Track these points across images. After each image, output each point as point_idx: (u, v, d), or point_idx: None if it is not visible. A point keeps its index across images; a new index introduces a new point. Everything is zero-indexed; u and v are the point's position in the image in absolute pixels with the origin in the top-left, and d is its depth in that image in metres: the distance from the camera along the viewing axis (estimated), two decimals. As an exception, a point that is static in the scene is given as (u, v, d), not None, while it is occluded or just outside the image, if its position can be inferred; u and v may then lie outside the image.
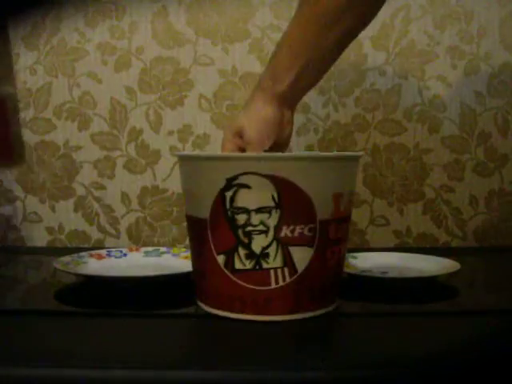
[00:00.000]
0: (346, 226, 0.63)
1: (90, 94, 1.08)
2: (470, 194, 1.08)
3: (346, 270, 0.74)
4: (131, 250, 0.87)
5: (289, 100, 0.71)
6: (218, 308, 0.61)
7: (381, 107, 1.08)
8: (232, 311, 0.60)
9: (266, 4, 1.06)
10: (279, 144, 0.72)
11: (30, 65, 1.08)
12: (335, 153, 0.64)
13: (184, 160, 0.63)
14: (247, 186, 0.57)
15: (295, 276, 0.59)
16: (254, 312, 0.59)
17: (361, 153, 0.66)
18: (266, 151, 0.69)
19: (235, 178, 0.57)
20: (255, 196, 0.57)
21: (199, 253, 0.62)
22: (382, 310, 0.66)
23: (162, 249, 0.87)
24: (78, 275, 0.74)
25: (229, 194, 0.57)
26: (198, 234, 0.61)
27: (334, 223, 0.60)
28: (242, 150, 0.71)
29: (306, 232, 0.58)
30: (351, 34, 0.71)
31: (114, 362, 0.50)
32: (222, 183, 0.57)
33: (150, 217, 1.09)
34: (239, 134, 0.70)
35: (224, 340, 0.57)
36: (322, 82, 1.05)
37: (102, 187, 1.09)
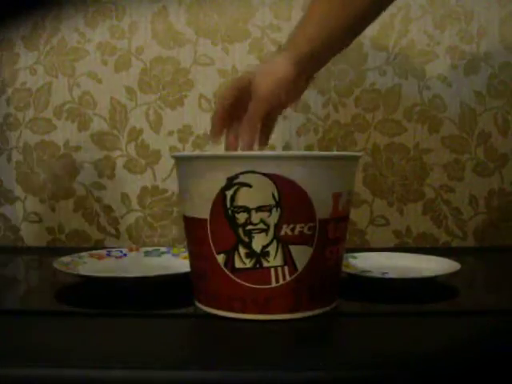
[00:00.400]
0: (344, 226, 0.63)
1: (90, 94, 1.09)
2: (470, 194, 1.08)
3: (346, 270, 0.74)
4: (131, 250, 0.87)
5: (307, 67, 0.70)
6: (218, 308, 0.61)
7: (381, 107, 1.08)
8: (232, 311, 0.60)
9: (265, 4, 1.07)
10: (282, 106, 0.71)
11: (30, 65, 1.08)
12: (335, 152, 0.64)
13: (183, 161, 0.63)
14: (248, 185, 0.57)
15: (295, 275, 0.59)
16: (253, 311, 0.59)
17: (360, 153, 0.67)
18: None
19: (236, 176, 0.57)
20: (256, 194, 0.57)
21: (198, 253, 0.62)
22: (381, 310, 0.66)
23: (162, 249, 0.87)
24: (77, 275, 0.74)
25: (229, 193, 0.58)
26: (197, 234, 0.61)
27: (333, 222, 0.60)
28: (241, 103, 0.69)
29: (305, 231, 0.58)
30: (380, 4, 0.70)
31: (114, 362, 0.50)
32: (222, 182, 0.58)
33: (150, 217, 1.09)
34: (245, 87, 0.68)
35: (224, 340, 0.57)
36: (321, 82, 1.05)
37: (102, 187, 1.09)
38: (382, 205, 1.09)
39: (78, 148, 1.09)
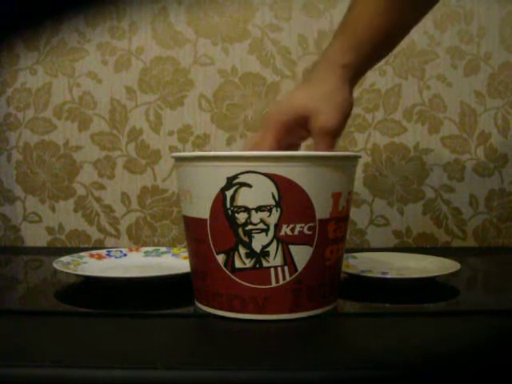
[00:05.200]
0: (344, 226, 0.63)
1: (89, 94, 1.09)
2: (470, 194, 1.08)
3: (346, 270, 0.74)
4: (131, 250, 0.87)
5: (356, 76, 0.66)
6: (218, 308, 0.61)
7: (381, 107, 1.08)
8: (232, 311, 0.60)
9: (265, 4, 1.07)
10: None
11: (30, 65, 1.08)
12: (335, 152, 0.63)
13: (182, 161, 0.63)
14: (248, 185, 0.57)
15: (295, 274, 0.59)
16: (253, 311, 0.59)
17: (359, 153, 0.66)
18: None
19: (236, 176, 0.57)
20: (256, 194, 0.57)
21: (198, 253, 0.62)
22: (382, 310, 0.66)
23: (162, 249, 0.87)
24: (78, 275, 0.74)
25: (229, 193, 0.58)
26: (197, 234, 0.61)
27: (333, 222, 0.60)
28: (292, 144, 0.65)
29: (305, 231, 0.58)
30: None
31: (114, 361, 0.50)
32: (222, 182, 0.58)
33: (150, 217, 1.09)
34: (298, 120, 0.63)
35: (224, 340, 0.57)
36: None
37: (102, 187, 1.09)
38: (381, 205, 1.09)
39: (78, 148, 1.09)
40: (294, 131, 0.66)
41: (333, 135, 0.63)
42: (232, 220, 0.58)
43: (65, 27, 1.08)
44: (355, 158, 0.64)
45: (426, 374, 0.49)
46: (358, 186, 1.07)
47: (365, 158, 1.07)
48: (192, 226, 0.62)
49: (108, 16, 1.07)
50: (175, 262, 0.81)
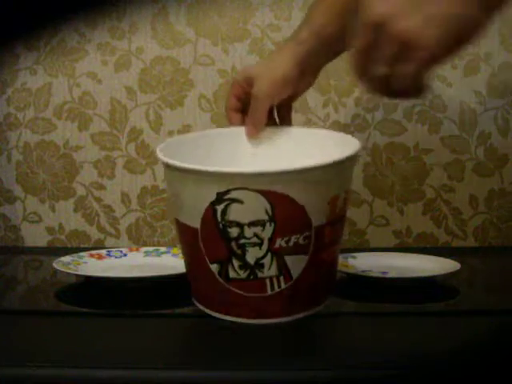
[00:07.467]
0: (341, 226, 0.62)
1: (89, 94, 1.08)
2: (470, 194, 1.08)
3: (346, 270, 0.74)
4: (131, 250, 0.87)
5: (313, 63, 0.68)
6: (214, 311, 0.60)
7: (381, 107, 1.07)
8: (228, 315, 0.59)
9: (265, 4, 1.06)
10: (286, 102, 0.70)
11: (30, 65, 1.08)
12: (332, 159, 0.58)
13: (173, 169, 0.59)
14: (239, 201, 0.54)
15: (291, 282, 0.58)
16: (249, 316, 0.59)
17: (358, 147, 0.62)
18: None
19: (227, 192, 0.54)
20: (248, 210, 0.55)
21: (191, 259, 0.61)
22: (381, 310, 0.66)
23: (162, 249, 0.87)
24: (77, 275, 0.74)
25: (220, 207, 0.55)
26: (190, 241, 0.59)
27: (329, 226, 0.58)
28: (248, 99, 0.68)
29: (301, 241, 0.56)
30: None
31: (114, 361, 0.50)
32: (212, 196, 0.55)
33: (150, 217, 1.09)
34: (249, 82, 0.68)
35: (223, 340, 0.57)
36: (322, 82, 1.05)
37: (102, 187, 1.09)
38: (381, 205, 1.09)
39: (78, 148, 1.09)
40: (247, 92, 0.69)
41: (261, 100, 0.66)
42: (224, 233, 0.56)
43: (65, 27, 1.08)
44: (353, 158, 0.62)
45: (426, 373, 0.49)
46: (358, 185, 1.07)
47: (365, 158, 1.07)
48: (184, 231, 0.60)
49: (108, 16, 1.07)
50: (175, 261, 0.81)
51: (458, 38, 0.48)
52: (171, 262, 0.81)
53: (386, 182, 1.08)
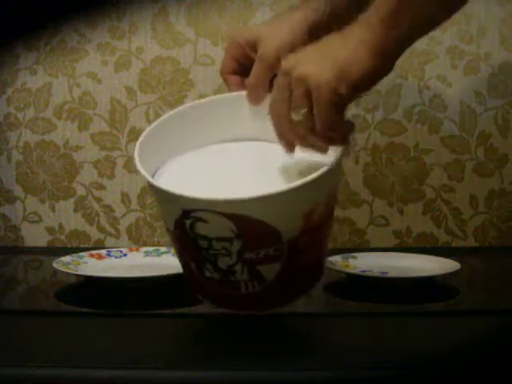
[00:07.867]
0: (322, 232, 0.59)
1: (89, 94, 1.08)
2: (470, 194, 1.08)
3: (346, 270, 0.74)
4: (131, 250, 0.87)
5: (321, 35, 0.61)
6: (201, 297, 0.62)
7: (381, 107, 1.07)
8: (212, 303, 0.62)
9: (265, 4, 1.06)
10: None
11: (30, 65, 1.08)
12: (299, 182, 0.53)
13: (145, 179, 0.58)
14: (204, 221, 0.54)
15: (265, 284, 0.57)
16: (229, 307, 0.60)
17: (327, 167, 0.55)
18: None
19: (192, 211, 0.54)
20: (213, 228, 0.54)
21: (179, 254, 0.63)
22: (381, 310, 0.66)
23: (162, 249, 0.87)
24: (78, 275, 0.74)
25: (188, 222, 0.55)
26: (173, 241, 0.62)
27: (305, 236, 0.56)
28: (248, 63, 0.64)
29: (271, 253, 0.55)
30: None
31: (114, 361, 0.50)
32: (179, 212, 0.55)
33: (150, 217, 1.09)
34: (251, 44, 0.63)
35: (224, 340, 0.57)
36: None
37: (102, 187, 1.09)
38: (381, 205, 1.09)
39: (78, 148, 1.09)
40: (247, 54, 0.65)
41: (268, 63, 0.62)
42: (195, 243, 0.56)
43: (65, 27, 1.08)
44: (331, 172, 0.55)
45: (426, 373, 0.49)
46: (358, 186, 1.07)
47: (365, 158, 1.07)
48: (167, 231, 0.62)
49: (108, 16, 1.07)
50: (175, 262, 0.81)
51: (348, 79, 0.54)
52: (171, 262, 0.81)
53: (386, 182, 1.08)
